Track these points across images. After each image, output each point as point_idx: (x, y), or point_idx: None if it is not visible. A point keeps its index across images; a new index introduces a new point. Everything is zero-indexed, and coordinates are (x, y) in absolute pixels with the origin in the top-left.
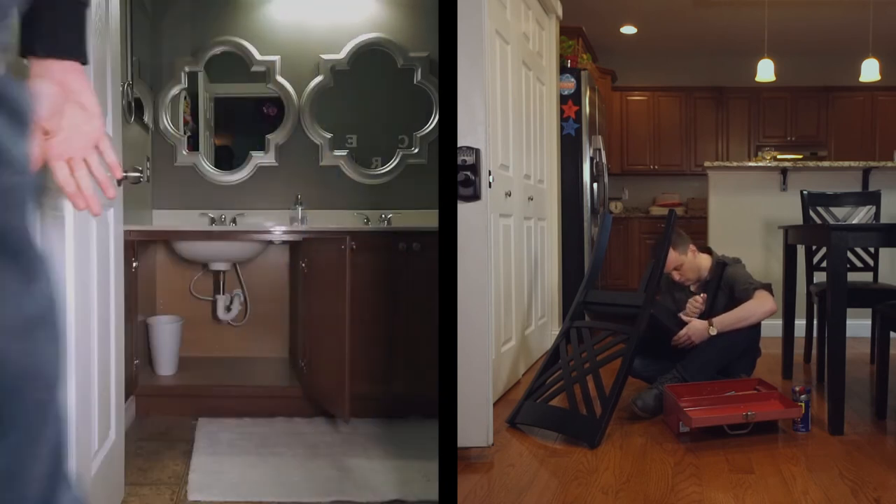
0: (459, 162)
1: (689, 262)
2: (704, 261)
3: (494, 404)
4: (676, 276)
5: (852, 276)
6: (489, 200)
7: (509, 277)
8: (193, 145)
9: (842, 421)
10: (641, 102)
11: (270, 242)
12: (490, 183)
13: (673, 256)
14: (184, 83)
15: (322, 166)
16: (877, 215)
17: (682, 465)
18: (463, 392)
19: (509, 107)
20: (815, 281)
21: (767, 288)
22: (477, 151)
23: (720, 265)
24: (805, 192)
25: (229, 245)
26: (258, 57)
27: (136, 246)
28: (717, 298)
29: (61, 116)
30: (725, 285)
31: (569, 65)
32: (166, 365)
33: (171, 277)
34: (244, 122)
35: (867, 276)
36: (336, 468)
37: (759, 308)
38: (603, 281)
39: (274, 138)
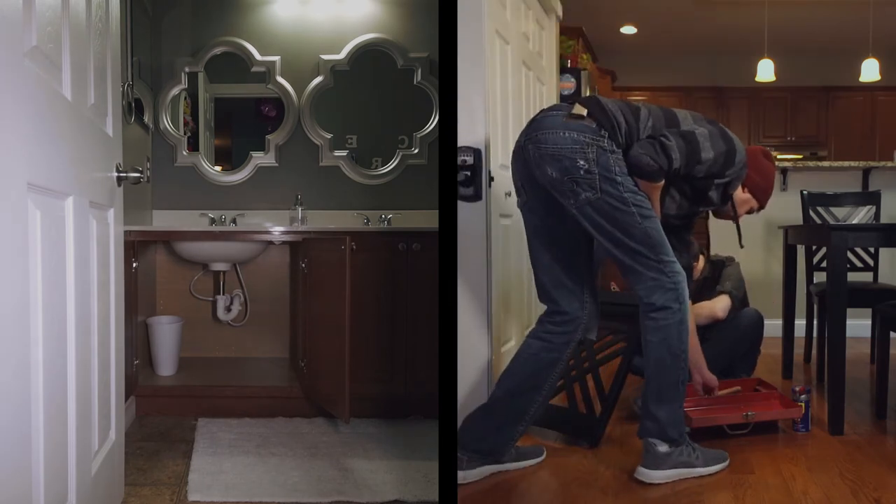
0: (459, 162)
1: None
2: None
3: None
4: None
5: (852, 276)
6: (489, 200)
7: (509, 277)
8: (193, 145)
9: (842, 421)
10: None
11: (270, 242)
12: (490, 183)
13: None
14: (184, 83)
15: (322, 166)
16: (877, 215)
17: None
18: (463, 392)
19: (509, 107)
20: (815, 281)
21: (735, 298)
22: (477, 151)
23: (718, 263)
24: (805, 192)
25: (229, 245)
26: (258, 57)
27: (136, 246)
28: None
29: None
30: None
31: (569, 65)
32: (166, 365)
33: (171, 277)
34: (244, 122)
35: (867, 276)
36: (336, 468)
37: (698, 309)
38: (603, 281)
39: (274, 138)
